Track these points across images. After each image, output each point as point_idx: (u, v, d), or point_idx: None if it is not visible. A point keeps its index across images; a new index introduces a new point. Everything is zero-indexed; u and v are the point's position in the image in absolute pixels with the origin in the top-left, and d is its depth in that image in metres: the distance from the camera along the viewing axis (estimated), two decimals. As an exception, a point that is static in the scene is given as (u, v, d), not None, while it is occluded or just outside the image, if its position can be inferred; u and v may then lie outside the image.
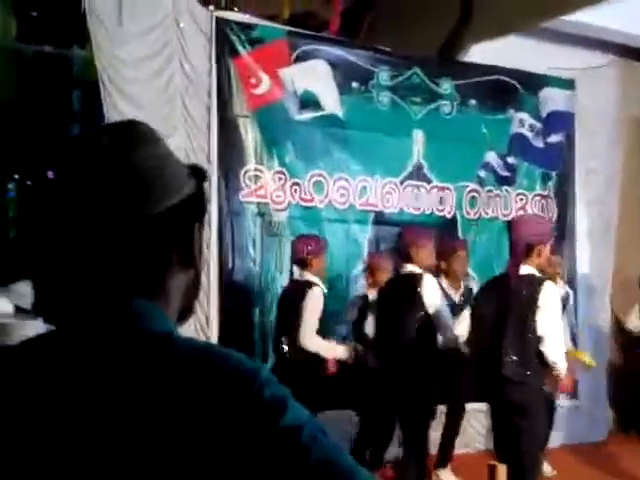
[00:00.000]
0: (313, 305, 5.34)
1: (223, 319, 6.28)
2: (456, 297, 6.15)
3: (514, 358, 4.55)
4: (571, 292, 6.89)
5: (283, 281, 6.44)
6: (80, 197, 1.05)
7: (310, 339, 5.29)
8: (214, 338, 6.13)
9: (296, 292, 5.47)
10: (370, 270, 6.28)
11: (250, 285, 6.49)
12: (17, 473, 0.99)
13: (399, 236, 5.59)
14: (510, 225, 4.79)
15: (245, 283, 6.48)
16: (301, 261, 5.52)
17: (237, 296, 6.42)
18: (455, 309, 5.75)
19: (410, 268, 5.34)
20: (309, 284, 5.41)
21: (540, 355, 4.52)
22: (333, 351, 5.49)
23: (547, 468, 6.34)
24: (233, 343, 6.22)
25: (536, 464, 4.75)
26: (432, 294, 5.22)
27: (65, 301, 1.06)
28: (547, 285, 4.56)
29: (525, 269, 4.60)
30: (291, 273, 5.94)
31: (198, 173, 1.17)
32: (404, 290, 5.26)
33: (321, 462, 0.96)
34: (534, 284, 4.55)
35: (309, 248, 5.49)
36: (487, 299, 4.86)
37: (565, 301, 6.17)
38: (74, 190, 1.05)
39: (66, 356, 1.03)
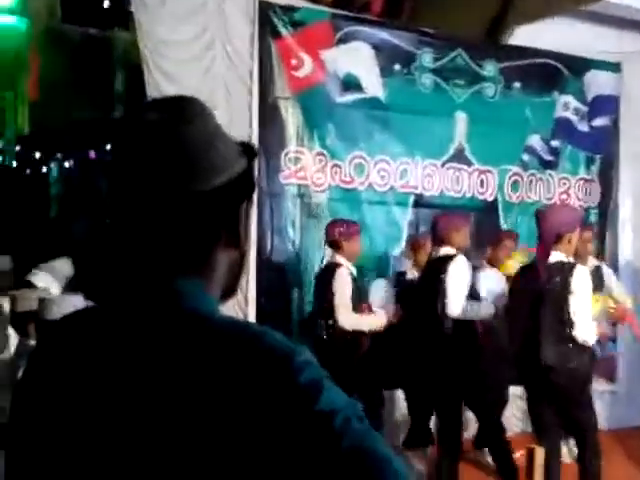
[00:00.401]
0: (341, 285, 5.36)
1: (261, 299, 6.32)
2: None
3: (553, 346, 4.58)
4: (603, 264, 6.82)
5: (322, 262, 6.50)
6: (128, 174, 1.05)
7: (346, 318, 5.31)
8: (252, 318, 6.17)
9: (327, 274, 5.52)
10: (412, 249, 6.29)
11: (289, 266, 6.52)
12: (61, 447, 1.02)
13: (434, 223, 5.58)
14: (539, 216, 4.82)
15: (284, 264, 6.50)
16: (332, 243, 5.56)
17: (275, 276, 6.45)
18: None
19: (445, 250, 5.34)
20: (338, 265, 5.45)
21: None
22: (372, 321, 5.48)
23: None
24: (271, 323, 6.25)
25: (597, 442, 4.81)
26: (459, 270, 5.23)
27: (108, 278, 1.07)
28: (578, 270, 4.63)
29: (555, 255, 4.65)
30: (325, 257, 5.97)
31: (248, 151, 1.16)
32: (439, 270, 5.27)
33: (353, 449, 0.95)
34: (565, 270, 4.61)
35: (340, 230, 5.52)
36: (519, 290, 4.92)
37: (598, 275, 6.15)
38: (121, 167, 1.06)
39: (108, 333, 1.04)
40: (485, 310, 5.32)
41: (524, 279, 4.93)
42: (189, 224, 1.05)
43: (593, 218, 7.82)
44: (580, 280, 4.58)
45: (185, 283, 1.06)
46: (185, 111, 1.09)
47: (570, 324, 4.56)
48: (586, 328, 4.58)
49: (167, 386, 0.98)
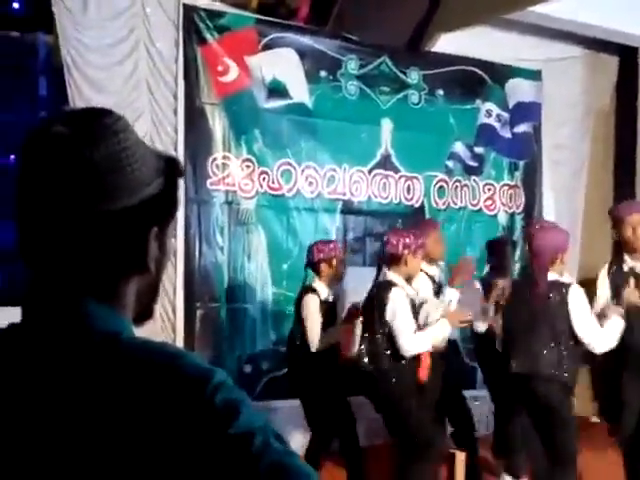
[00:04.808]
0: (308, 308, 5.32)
1: (189, 308, 6.24)
2: None
3: (546, 356, 4.73)
4: None
5: (252, 269, 6.49)
6: (32, 189, 1.02)
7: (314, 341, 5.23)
8: (180, 327, 6.11)
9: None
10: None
11: (217, 273, 6.47)
12: None
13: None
14: (530, 234, 4.96)
15: (212, 271, 6.45)
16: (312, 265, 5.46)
17: (204, 284, 6.40)
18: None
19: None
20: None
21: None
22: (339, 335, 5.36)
23: None
24: (199, 332, 6.19)
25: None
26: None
27: (26, 293, 1.04)
28: (574, 288, 4.77)
29: (551, 276, 4.79)
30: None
31: (171, 168, 1.11)
32: None
33: (272, 467, 0.95)
34: (561, 289, 4.75)
35: (320, 254, 5.40)
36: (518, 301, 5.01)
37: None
38: (26, 182, 1.02)
39: (14, 353, 1.01)
40: None
41: (520, 293, 5.02)
42: (93, 246, 1.02)
43: (518, 224, 7.96)
44: (577, 299, 4.73)
45: (94, 305, 1.02)
46: (96, 127, 1.04)
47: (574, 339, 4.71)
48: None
49: (77, 412, 0.94)
